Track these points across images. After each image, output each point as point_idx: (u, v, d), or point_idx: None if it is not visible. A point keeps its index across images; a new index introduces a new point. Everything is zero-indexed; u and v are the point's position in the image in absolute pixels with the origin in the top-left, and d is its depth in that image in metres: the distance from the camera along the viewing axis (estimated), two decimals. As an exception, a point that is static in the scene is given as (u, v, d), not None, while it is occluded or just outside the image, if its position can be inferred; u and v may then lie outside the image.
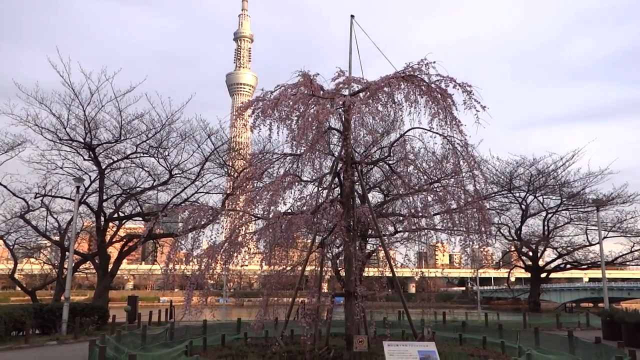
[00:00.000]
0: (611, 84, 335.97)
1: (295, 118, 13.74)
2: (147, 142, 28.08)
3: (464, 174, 14.84)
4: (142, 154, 28.83)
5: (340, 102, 13.73)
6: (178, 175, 29.72)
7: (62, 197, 30.00)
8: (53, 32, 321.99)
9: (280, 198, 13.75)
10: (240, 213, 14.64)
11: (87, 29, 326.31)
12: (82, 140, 27.07)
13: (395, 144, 16.29)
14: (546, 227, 40.73)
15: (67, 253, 28.09)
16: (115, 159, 28.92)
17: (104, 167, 28.38)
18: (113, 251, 32.05)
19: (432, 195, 16.05)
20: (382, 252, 16.12)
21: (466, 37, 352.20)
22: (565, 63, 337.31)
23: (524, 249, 42.36)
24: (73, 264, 27.43)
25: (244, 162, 28.54)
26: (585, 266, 43.71)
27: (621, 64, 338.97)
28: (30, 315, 21.24)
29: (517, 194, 39.18)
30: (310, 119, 13.06)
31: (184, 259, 15.10)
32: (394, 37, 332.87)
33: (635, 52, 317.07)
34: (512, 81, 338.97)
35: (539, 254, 42.32)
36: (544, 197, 39.46)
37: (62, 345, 19.82)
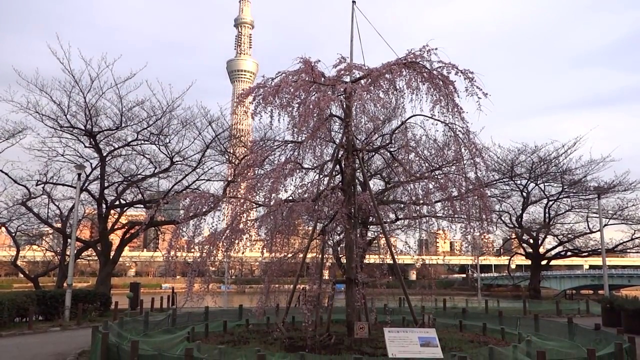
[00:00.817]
0: (614, 71, 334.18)
1: (296, 105, 13.69)
2: (148, 129, 28.02)
3: (465, 162, 14.81)
4: (143, 141, 28.77)
5: (342, 89, 13.65)
6: (179, 162, 29.69)
7: (63, 185, 30.07)
8: (52, 19, 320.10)
9: (281, 185, 13.75)
10: (242, 200, 14.66)
11: (87, 15, 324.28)
12: (83, 128, 27.02)
13: (396, 131, 16.23)
14: (547, 215, 40.77)
15: (69, 240, 28.20)
16: (116, 146, 28.87)
17: (105, 154, 28.35)
18: (115, 238, 32.17)
19: (433, 183, 16.03)
20: (383, 239, 16.17)
21: (468, 24, 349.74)
22: (567, 50, 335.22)
23: (525, 237, 42.44)
24: (75, 251, 27.55)
25: (245, 149, 28.48)
26: (585, 253, 43.81)
27: (624, 51, 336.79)
28: (33, 301, 21.38)
29: (519, 182, 39.17)
30: (311, 106, 13.00)
31: (185, 246, 15.15)
32: (395, 24, 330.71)
33: (637, 39, 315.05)
34: (513, 68, 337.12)
35: (539, 242, 42.41)
36: (545, 184, 39.45)
37: (65, 331, 19.97)
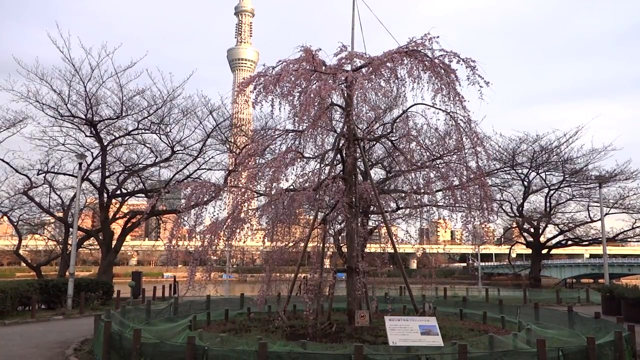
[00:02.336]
0: (616, 59, 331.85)
1: (297, 94, 13.61)
2: (149, 118, 27.96)
3: (466, 151, 14.77)
4: (143, 131, 28.75)
5: (343, 78, 13.56)
6: (180, 151, 29.69)
7: (64, 174, 30.11)
8: (52, 7, 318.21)
9: (283, 174, 13.72)
10: (243, 189, 14.64)
11: (86, 3, 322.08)
12: (84, 117, 26.97)
13: (397, 120, 16.18)
14: (548, 204, 40.79)
15: (70, 229, 28.28)
16: (117, 136, 28.86)
17: (105, 143, 28.33)
18: (116, 227, 32.25)
19: (434, 172, 16.01)
20: (384, 228, 16.17)
21: (468, 11, 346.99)
22: (570, 38, 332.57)
23: (526, 226, 42.50)
24: (77, 240, 27.65)
25: (246, 138, 28.46)
26: (586, 242, 43.92)
27: (626, 39, 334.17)
28: (36, 290, 21.48)
29: (520, 171, 39.19)
30: (312, 95, 12.92)
31: (186, 235, 15.16)
32: (397, 12, 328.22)
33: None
34: (514, 57, 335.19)
35: (540, 231, 42.48)
36: (547, 173, 39.46)
37: (68, 320, 20.09)
